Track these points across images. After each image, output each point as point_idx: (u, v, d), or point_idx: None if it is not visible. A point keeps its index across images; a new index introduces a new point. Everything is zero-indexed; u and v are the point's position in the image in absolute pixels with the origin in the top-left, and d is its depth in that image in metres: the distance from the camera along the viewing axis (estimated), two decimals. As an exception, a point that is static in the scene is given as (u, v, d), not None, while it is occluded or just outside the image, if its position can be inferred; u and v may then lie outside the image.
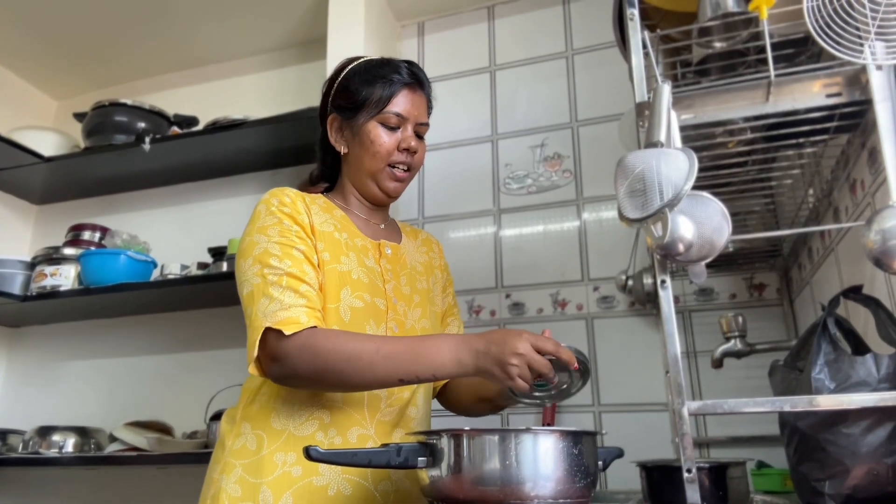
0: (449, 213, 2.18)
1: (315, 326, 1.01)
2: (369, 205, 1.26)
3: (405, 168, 1.21)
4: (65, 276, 2.19)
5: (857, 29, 0.86)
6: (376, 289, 1.16)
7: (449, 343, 0.99)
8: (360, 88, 1.20)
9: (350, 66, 1.25)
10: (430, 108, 1.28)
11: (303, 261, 1.07)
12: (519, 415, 1.94)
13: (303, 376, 1.00)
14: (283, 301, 1.01)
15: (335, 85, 1.25)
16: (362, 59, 1.26)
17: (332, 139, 1.24)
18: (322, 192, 1.28)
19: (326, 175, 1.31)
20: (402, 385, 1.01)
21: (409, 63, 1.24)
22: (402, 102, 1.20)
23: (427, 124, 1.25)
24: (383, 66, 1.23)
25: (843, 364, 0.90)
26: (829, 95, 0.98)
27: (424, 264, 1.32)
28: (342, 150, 1.23)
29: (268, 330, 0.99)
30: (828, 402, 0.85)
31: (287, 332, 0.98)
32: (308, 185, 1.31)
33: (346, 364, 0.97)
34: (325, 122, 1.26)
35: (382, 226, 1.29)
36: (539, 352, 0.95)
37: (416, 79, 1.23)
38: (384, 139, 1.18)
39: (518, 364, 0.94)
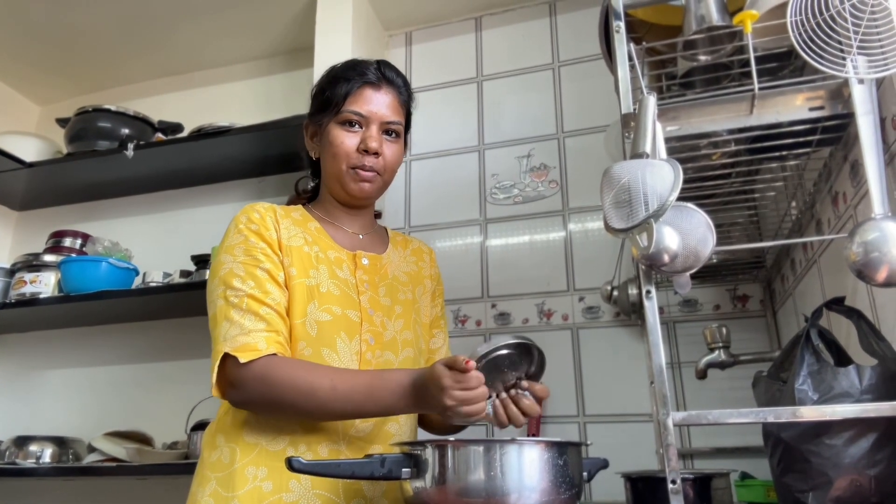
0: (435, 223, 2.18)
1: (274, 353, 1.01)
2: (348, 210, 1.24)
3: (370, 169, 1.16)
4: (44, 284, 2.15)
5: (840, 43, 0.87)
6: (349, 300, 1.13)
7: (401, 385, 0.96)
8: (324, 90, 1.19)
9: (326, 72, 1.24)
10: (407, 107, 1.24)
11: (266, 280, 1.07)
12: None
13: (258, 404, 1.03)
14: (244, 325, 1.02)
15: (313, 93, 1.25)
16: (339, 63, 1.24)
17: (307, 146, 1.24)
18: (305, 203, 1.27)
19: (314, 180, 1.31)
20: (347, 417, 1.04)
21: (380, 63, 1.21)
22: (360, 101, 1.16)
23: (399, 123, 1.20)
24: (350, 67, 1.20)
25: (826, 375, 0.90)
26: (811, 109, 0.99)
27: (410, 274, 1.28)
28: (314, 155, 1.24)
29: (226, 355, 1.00)
30: (811, 413, 0.85)
31: (242, 360, 0.98)
32: (295, 198, 1.32)
33: (301, 398, 0.98)
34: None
35: (362, 235, 1.26)
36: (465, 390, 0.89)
37: (381, 77, 1.19)
38: (342, 139, 1.15)
39: (452, 406, 0.89)
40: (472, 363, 0.89)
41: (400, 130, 1.21)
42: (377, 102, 1.17)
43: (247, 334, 1.01)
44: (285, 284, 1.09)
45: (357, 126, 1.16)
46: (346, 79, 1.17)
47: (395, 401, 0.97)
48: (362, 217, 1.27)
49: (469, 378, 0.89)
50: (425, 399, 0.94)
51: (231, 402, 1.04)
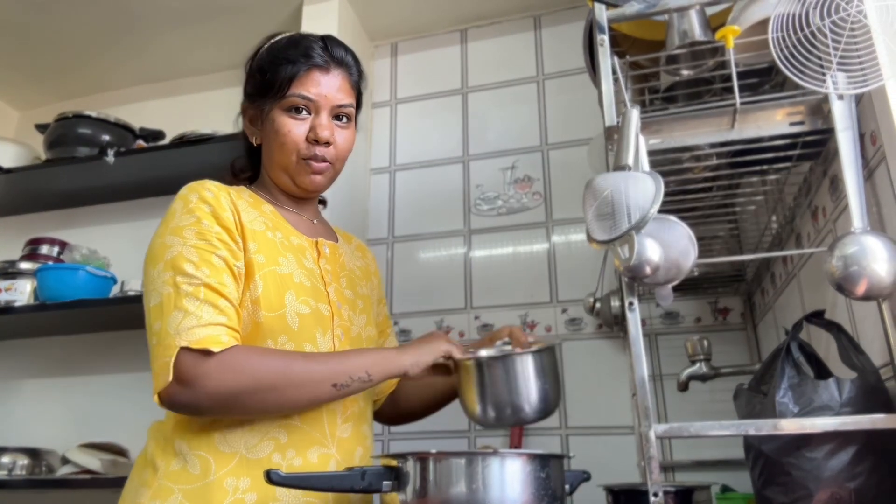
0: (419, 233, 2.17)
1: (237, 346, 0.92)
2: (295, 200, 1.15)
3: (322, 159, 1.07)
4: (20, 292, 2.11)
5: (820, 60, 0.88)
6: (319, 293, 1.05)
7: (379, 350, 1.06)
8: (264, 70, 1.07)
9: (262, 47, 1.12)
10: (359, 88, 1.13)
11: (223, 270, 0.94)
12: (485, 437, 1.92)
13: (222, 399, 0.89)
14: (201, 317, 0.89)
15: (247, 69, 1.12)
16: (276, 38, 1.12)
17: (246, 129, 1.13)
18: (246, 184, 1.15)
19: (251, 166, 1.20)
20: (335, 391, 0.93)
21: (325, 39, 1.10)
22: (308, 83, 1.05)
23: (350, 105, 1.10)
24: (292, 45, 1.08)
25: (807, 388, 0.90)
26: (792, 124, 1.00)
27: (362, 269, 1.22)
28: (255, 140, 1.12)
29: (182, 350, 0.87)
30: (791, 425, 0.86)
31: (216, 350, 0.87)
32: (231, 178, 1.18)
33: (278, 378, 0.90)
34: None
35: (315, 221, 1.18)
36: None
37: (330, 57, 1.08)
38: (289, 128, 1.05)
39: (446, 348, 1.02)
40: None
41: (351, 114, 1.11)
42: (326, 85, 1.06)
43: (205, 326, 0.89)
44: (248, 273, 0.98)
45: (305, 112, 1.06)
46: (289, 60, 1.06)
47: (377, 357, 0.98)
48: (311, 204, 1.19)
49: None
50: (421, 342, 1.02)
51: (178, 403, 0.90)
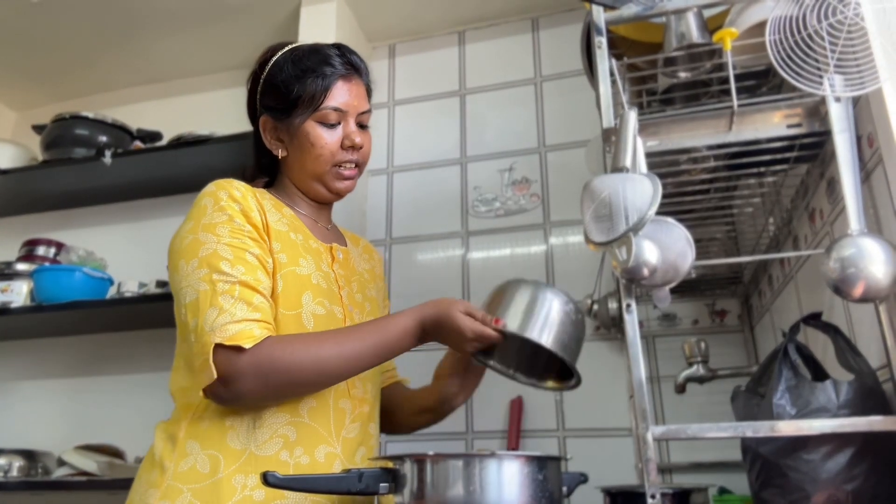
0: (417, 235, 2.17)
1: (269, 336, 0.95)
2: (316, 204, 1.20)
3: (353, 165, 1.14)
4: (16, 293, 2.11)
5: (817, 62, 0.88)
6: (333, 296, 1.10)
7: (404, 324, 1.02)
8: (290, 85, 1.11)
9: (274, 59, 1.15)
10: (370, 92, 1.19)
11: (257, 267, 0.99)
12: (483, 440, 1.92)
13: (260, 396, 0.95)
14: (234, 314, 0.93)
15: (261, 81, 1.16)
16: (286, 49, 1.16)
17: (268, 143, 1.16)
18: (264, 188, 1.18)
19: (265, 173, 1.23)
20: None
21: (340, 48, 1.16)
22: (338, 95, 1.11)
23: (369, 111, 1.17)
24: (311, 55, 1.13)
25: (804, 390, 0.91)
26: (789, 126, 1.00)
27: (369, 272, 1.26)
28: (280, 153, 1.15)
29: (217, 347, 0.91)
30: (789, 427, 0.86)
31: (247, 346, 0.91)
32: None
33: (312, 375, 0.96)
34: (257, 123, 1.17)
35: (329, 227, 1.22)
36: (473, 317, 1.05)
37: (351, 66, 1.14)
38: (325, 139, 1.10)
39: (472, 338, 1.03)
40: (502, 323, 1.06)
41: (369, 119, 1.17)
42: (352, 94, 1.13)
43: (238, 322, 0.92)
44: (273, 272, 1.03)
45: (337, 123, 1.12)
46: (314, 72, 1.11)
47: (406, 346, 1.03)
48: (327, 210, 1.23)
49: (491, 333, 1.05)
50: (438, 332, 1.04)
51: (221, 399, 0.95)
